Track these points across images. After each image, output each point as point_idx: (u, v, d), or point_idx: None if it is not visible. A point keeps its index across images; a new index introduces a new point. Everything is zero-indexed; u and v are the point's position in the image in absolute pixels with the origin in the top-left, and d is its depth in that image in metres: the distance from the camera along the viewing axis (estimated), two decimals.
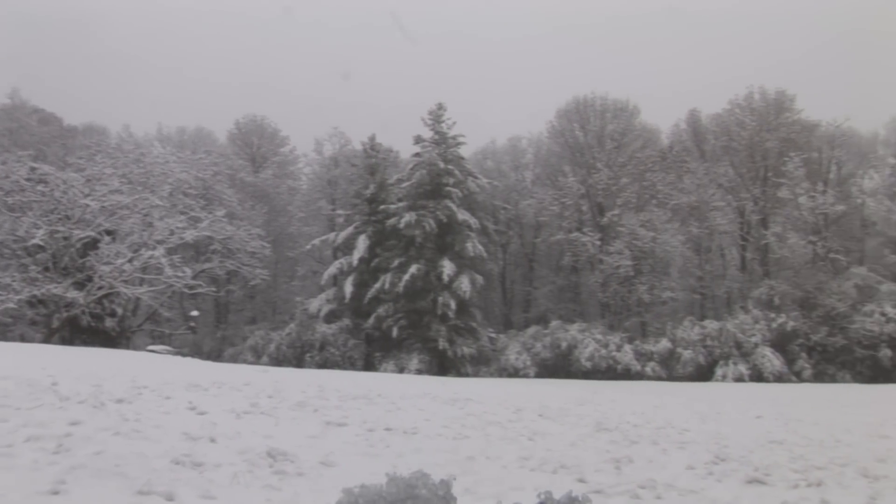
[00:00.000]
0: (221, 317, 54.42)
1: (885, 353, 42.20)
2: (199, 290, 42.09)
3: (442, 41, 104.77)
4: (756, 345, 42.33)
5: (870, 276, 46.52)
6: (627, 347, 43.20)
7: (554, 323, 45.80)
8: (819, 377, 42.23)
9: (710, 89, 77.51)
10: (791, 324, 43.08)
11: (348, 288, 45.13)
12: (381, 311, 44.48)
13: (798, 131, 49.35)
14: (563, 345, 43.59)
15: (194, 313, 45.64)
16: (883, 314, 42.98)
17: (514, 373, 42.90)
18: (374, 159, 48.93)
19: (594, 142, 51.13)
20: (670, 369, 42.73)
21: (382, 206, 46.62)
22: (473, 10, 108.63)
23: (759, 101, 50.07)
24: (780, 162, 47.86)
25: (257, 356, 45.36)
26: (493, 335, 46.76)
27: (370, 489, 2.02)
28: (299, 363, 42.87)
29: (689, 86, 78.25)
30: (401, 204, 46.20)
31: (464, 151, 48.91)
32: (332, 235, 48.91)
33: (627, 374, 41.73)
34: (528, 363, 43.45)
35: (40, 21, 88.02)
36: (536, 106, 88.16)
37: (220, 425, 10.64)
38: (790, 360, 42.57)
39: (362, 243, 45.82)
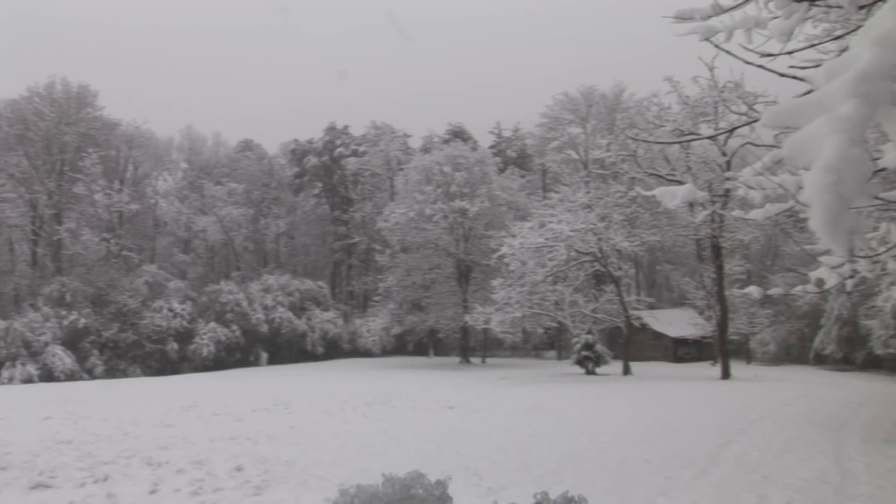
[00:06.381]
0: None
1: (173, 346, 45.64)
2: None
3: None
4: (47, 343, 41.54)
5: (160, 273, 49.60)
6: None
7: None
8: (111, 373, 43.38)
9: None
10: (83, 321, 43.37)
11: None
12: None
13: (98, 128, 49.89)
14: None
15: None
16: (171, 310, 46.29)
17: None
18: None
19: None
20: None
21: None
22: None
23: (60, 93, 48.93)
24: (78, 157, 47.81)
25: None
26: None
27: (366, 489, 2.03)
28: None
29: None
30: None
31: None
32: None
33: None
34: None
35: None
36: None
37: None
38: (82, 358, 42.83)
39: None
